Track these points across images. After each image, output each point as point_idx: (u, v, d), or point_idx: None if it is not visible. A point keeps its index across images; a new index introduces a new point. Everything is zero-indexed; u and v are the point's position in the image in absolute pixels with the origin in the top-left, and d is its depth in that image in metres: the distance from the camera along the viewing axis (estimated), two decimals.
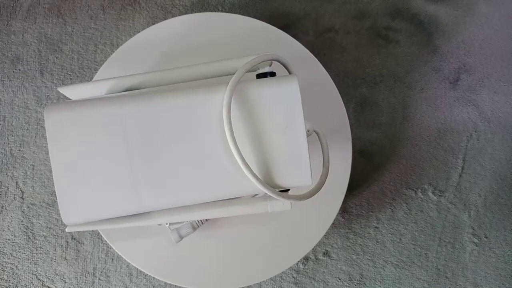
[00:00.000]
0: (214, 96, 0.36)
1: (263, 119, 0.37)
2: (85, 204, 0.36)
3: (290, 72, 0.41)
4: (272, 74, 0.40)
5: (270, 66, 0.41)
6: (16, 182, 0.66)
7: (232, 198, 0.42)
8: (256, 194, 0.44)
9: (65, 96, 0.50)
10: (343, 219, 0.66)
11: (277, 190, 0.37)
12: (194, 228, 0.49)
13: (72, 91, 0.42)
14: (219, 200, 0.41)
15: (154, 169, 0.36)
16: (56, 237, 0.65)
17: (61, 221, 0.65)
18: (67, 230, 0.40)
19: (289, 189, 0.39)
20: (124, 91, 0.42)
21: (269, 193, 0.36)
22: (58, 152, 0.36)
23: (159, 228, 0.52)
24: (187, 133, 0.36)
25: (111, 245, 0.52)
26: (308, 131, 0.39)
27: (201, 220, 0.50)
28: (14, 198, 0.65)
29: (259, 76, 0.40)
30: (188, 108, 0.36)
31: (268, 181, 0.37)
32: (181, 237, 0.48)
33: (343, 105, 0.55)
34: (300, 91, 0.37)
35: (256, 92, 0.36)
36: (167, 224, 0.48)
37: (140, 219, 0.41)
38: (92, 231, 0.64)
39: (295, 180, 0.37)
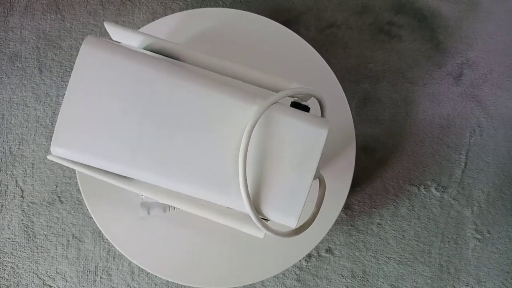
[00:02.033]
0: (248, 106, 0.36)
1: (281, 146, 0.36)
2: (79, 141, 0.35)
3: (322, 113, 0.41)
4: (306, 107, 0.39)
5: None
6: (16, 181, 0.65)
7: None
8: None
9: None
10: (345, 216, 0.66)
11: (260, 217, 0.36)
12: (164, 211, 0.49)
13: (116, 31, 0.41)
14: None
15: (160, 142, 0.36)
16: (56, 235, 0.64)
17: (62, 219, 0.64)
18: (48, 157, 0.39)
19: (268, 220, 0.39)
20: (160, 54, 0.41)
21: (253, 218, 0.36)
22: (78, 82, 0.35)
23: (161, 226, 0.52)
24: (206, 126, 0.36)
25: (112, 243, 0.51)
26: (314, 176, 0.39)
27: (174, 207, 0.50)
28: (14, 196, 0.65)
29: (294, 104, 0.39)
30: (219, 105, 0.36)
31: (255, 205, 0.36)
32: (149, 214, 0.49)
33: (346, 101, 0.55)
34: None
35: (286, 120, 0.36)
36: (142, 195, 0.48)
37: (120, 179, 0.40)
38: (93, 229, 0.64)
39: (281, 217, 0.37)
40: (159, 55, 0.41)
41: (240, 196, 0.36)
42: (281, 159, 0.36)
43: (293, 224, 0.37)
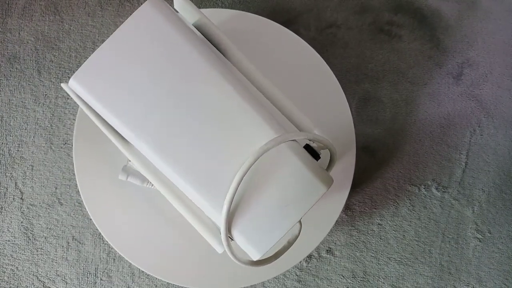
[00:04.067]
0: (270, 132, 0.36)
1: (280, 181, 0.36)
2: (98, 87, 0.35)
3: (330, 165, 0.41)
4: (317, 155, 0.39)
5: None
6: (15, 183, 0.65)
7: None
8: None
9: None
10: (346, 216, 0.66)
11: (230, 237, 0.36)
12: (142, 183, 0.50)
13: (180, 2, 0.41)
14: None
15: (170, 123, 0.36)
16: (56, 238, 0.64)
17: (62, 221, 0.64)
18: (62, 84, 0.40)
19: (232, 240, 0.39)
20: (208, 40, 0.40)
21: (223, 233, 0.35)
22: (124, 34, 0.35)
23: (162, 228, 0.52)
24: (222, 130, 0.36)
25: (112, 245, 0.51)
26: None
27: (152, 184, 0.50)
28: (14, 199, 0.65)
29: (307, 146, 0.39)
30: (244, 118, 0.36)
31: (228, 221, 0.36)
32: (126, 179, 0.49)
33: (346, 101, 0.55)
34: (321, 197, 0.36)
35: (295, 160, 0.36)
36: (129, 161, 0.48)
37: (117, 137, 0.40)
38: (93, 231, 0.64)
39: (245, 244, 0.36)
40: (207, 41, 0.40)
41: (220, 206, 0.35)
42: (274, 193, 0.36)
43: (254, 256, 0.36)
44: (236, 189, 0.34)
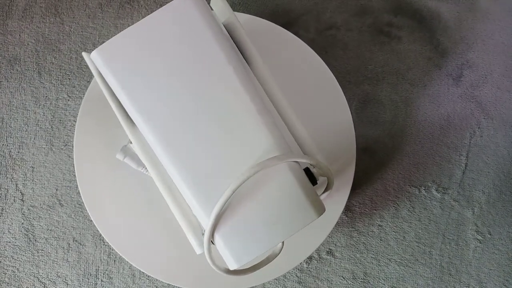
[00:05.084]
0: (276, 151, 0.36)
1: (273, 198, 0.35)
2: (118, 65, 0.36)
3: (325, 191, 0.41)
4: (315, 180, 0.39)
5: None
6: (16, 184, 0.65)
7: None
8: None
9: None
10: (346, 218, 0.66)
11: (210, 240, 0.36)
12: (137, 167, 0.50)
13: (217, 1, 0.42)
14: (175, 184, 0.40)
15: (180, 117, 0.36)
16: (57, 239, 0.64)
17: (62, 223, 0.64)
18: (84, 54, 0.41)
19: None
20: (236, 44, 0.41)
21: (206, 235, 0.35)
22: (158, 21, 0.36)
23: (162, 229, 0.52)
24: (230, 139, 0.36)
25: (112, 246, 0.51)
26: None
27: (147, 170, 0.50)
28: (14, 200, 0.65)
29: (306, 170, 0.39)
30: (256, 134, 0.36)
31: (215, 227, 0.36)
32: (123, 159, 0.50)
33: (346, 102, 0.55)
34: (309, 225, 0.36)
35: (293, 181, 0.36)
36: (130, 142, 0.49)
37: (124, 117, 0.41)
38: (94, 233, 0.64)
39: (223, 250, 0.36)
40: (235, 45, 0.41)
41: (209, 210, 0.35)
42: (265, 208, 0.35)
43: (231, 266, 0.36)
44: (229, 198, 0.34)
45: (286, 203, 0.35)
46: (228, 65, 0.36)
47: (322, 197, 0.41)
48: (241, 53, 0.41)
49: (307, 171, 0.38)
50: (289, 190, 0.35)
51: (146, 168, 0.50)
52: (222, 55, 0.36)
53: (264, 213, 0.35)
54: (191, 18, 0.36)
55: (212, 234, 0.36)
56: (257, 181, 0.35)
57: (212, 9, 0.42)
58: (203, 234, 0.40)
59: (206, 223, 0.36)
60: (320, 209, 0.36)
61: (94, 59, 0.37)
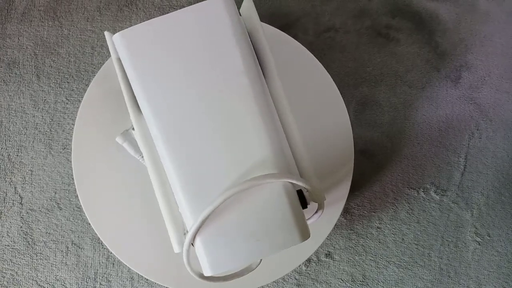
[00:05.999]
0: (274, 170, 0.36)
1: (261, 213, 0.35)
2: (137, 53, 0.36)
3: (311, 218, 0.41)
4: (305, 203, 0.38)
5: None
6: (15, 188, 0.65)
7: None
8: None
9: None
10: (345, 220, 0.66)
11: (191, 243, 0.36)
12: (135, 153, 0.50)
13: (248, 7, 0.42)
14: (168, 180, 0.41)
15: (188, 117, 0.36)
16: (56, 242, 0.64)
17: (61, 226, 0.64)
18: (106, 33, 0.42)
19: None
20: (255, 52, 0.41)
21: (188, 237, 0.35)
22: (186, 16, 0.36)
23: (161, 232, 0.52)
24: (233, 151, 0.36)
25: (111, 250, 0.51)
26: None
27: (143, 158, 0.51)
28: (13, 204, 0.65)
29: (299, 191, 0.39)
30: (261, 148, 0.36)
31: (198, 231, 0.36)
32: (122, 144, 0.50)
33: (344, 105, 0.55)
34: (294, 245, 0.36)
35: (284, 201, 0.36)
36: (133, 129, 0.49)
37: (133, 104, 0.41)
38: (92, 236, 0.64)
39: (204, 258, 0.36)
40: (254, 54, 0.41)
41: (196, 212, 0.35)
42: (251, 222, 0.35)
43: (205, 272, 0.36)
44: (218, 206, 0.34)
45: (273, 222, 0.35)
46: (246, 76, 0.36)
47: (309, 221, 0.41)
48: (260, 63, 0.41)
49: (300, 193, 0.38)
50: (279, 209, 0.35)
51: (143, 157, 0.50)
52: (241, 64, 0.36)
53: (249, 227, 0.35)
54: (219, 21, 0.36)
55: (194, 237, 0.36)
56: (249, 192, 0.35)
57: (240, 15, 0.42)
58: (184, 234, 0.40)
59: (190, 224, 0.36)
60: (305, 234, 0.36)
61: (116, 41, 0.37)
